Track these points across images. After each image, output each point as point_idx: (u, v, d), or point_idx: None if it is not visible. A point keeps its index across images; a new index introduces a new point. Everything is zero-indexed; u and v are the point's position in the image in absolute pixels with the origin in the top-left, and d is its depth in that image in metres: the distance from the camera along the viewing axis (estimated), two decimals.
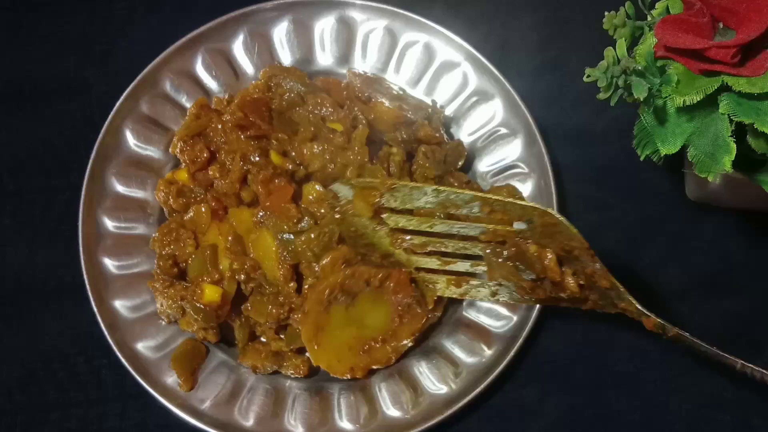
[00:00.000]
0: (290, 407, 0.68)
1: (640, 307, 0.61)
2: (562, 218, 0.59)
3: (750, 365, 0.60)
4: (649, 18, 0.57)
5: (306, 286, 0.68)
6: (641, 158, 0.57)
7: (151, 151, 0.75)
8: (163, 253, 0.70)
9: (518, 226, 0.62)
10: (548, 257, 0.61)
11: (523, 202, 0.61)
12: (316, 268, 0.67)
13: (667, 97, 0.53)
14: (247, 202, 0.70)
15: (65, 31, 0.83)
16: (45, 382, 0.72)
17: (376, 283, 0.67)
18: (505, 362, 0.67)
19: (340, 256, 0.67)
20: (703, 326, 0.72)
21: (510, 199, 0.61)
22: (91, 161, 0.73)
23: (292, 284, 0.68)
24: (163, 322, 0.70)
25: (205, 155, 0.71)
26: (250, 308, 0.69)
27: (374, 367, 0.68)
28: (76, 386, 0.72)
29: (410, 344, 0.68)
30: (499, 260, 0.63)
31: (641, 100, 0.53)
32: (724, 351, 0.71)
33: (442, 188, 0.63)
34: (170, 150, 0.74)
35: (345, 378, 0.68)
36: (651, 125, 0.55)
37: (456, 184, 0.72)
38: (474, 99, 0.76)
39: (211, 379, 0.69)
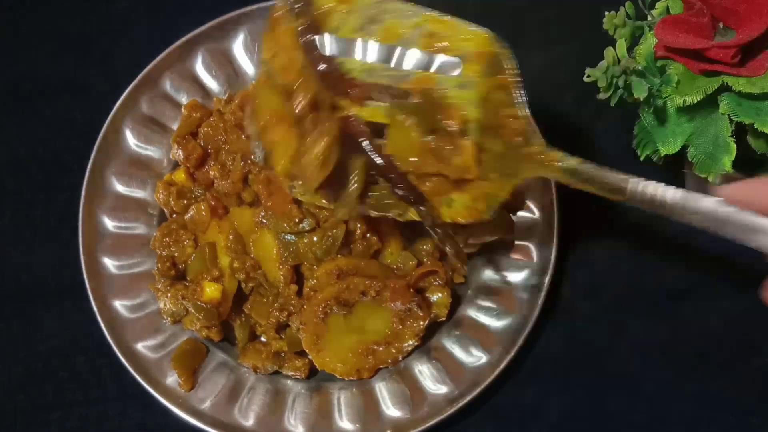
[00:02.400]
0: (290, 407, 0.68)
1: (545, 144, 0.56)
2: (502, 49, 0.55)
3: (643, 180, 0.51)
4: (649, 18, 0.57)
5: (306, 288, 0.68)
6: (641, 158, 0.58)
7: (151, 151, 0.75)
8: (163, 254, 0.70)
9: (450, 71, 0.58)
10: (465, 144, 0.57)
11: (467, 26, 0.57)
12: (316, 272, 0.68)
13: (667, 97, 0.53)
14: (248, 202, 0.70)
15: (65, 31, 0.83)
16: (45, 382, 0.72)
17: (372, 294, 0.66)
18: (505, 362, 0.67)
19: (334, 268, 0.67)
20: (703, 326, 0.72)
21: (455, 20, 0.56)
22: (91, 161, 0.73)
23: (293, 286, 0.68)
24: (167, 322, 0.70)
25: (197, 152, 0.71)
26: (250, 308, 0.69)
27: (381, 366, 0.69)
28: (76, 386, 0.72)
29: (416, 344, 0.68)
30: (404, 110, 0.59)
31: (641, 100, 0.53)
32: (724, 351, 0.71)
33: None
34: (171, 156, 0.74)
35: (348, 378, 0.68)
36: (651, 125, 0.55)
37: None
38: None
39: (211, 379, 0.69)
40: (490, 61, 0.56)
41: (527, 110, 0.55)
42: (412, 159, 0.59)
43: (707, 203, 0.47)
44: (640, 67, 0.53)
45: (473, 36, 0.56)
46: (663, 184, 0.49)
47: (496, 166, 0.57)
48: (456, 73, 0.59)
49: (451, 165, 0.58)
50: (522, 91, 0.55)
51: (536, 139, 0.55)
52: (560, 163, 0.55)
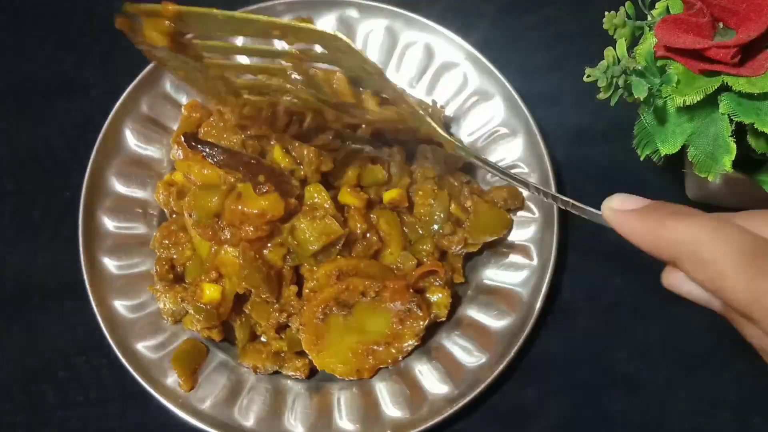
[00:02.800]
0: (290, 407, 0.68)
1: (437, 128, 0.62)
2: (348, 41, 0.55)
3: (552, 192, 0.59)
4: (649, 18, 0.57)
5: (306, 290, 0.68)
6: (641, 158, 0.57)
7: (151, 151, 0.75)
8: (162, 256, 0.70)
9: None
10: (336, 77, 0.60)
11: (311, 27, 0.56)
12: (316, 273, 0.67)
13: (667, 97, 0.53)
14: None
15: (65, 31, 0.83)
16: (45, 382, 0.72)
17: (372, 294, 0.66)
18: (505, 362, 0.67)
19: (334, 269, 0.67)
20: (703, 326, 0.72)
21: (300, 25, 0.56)
22: (91, 161, 0.73)
23: (292, 287, 0.68)
24: (167, 322, 0.70)
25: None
26: (250, 308, 0.69)
27: (381, 366, 0.69)
28: (76, 386, 0.72)
29: (416, 344, 0.68)
30: (297, 87, 0.61)
31: (641, 100, 0.53)
32: (724, 351, 0.71)
33: (229, 13, 0.57)
34: (171, 156, 0.74)
35: (348, 378, 0.68)
36: (651, 125, 0.55)
37: (456, 184, 0.72)
38: (474, 99, 0.76)
39: (211, 379, 0.69)
40: (346, 48, 0.56)
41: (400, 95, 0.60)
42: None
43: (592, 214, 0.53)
44: (640, 67, 0.53)
45: (315, 30, 0.56)
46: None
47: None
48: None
49: (369, 118, 0.63)
50: (384, 76, 0.58)
51: (426, 123, 0.62)
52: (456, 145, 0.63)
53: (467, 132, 0.76)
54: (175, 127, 0.75)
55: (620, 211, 0.47)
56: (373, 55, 0.77)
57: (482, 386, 0.67)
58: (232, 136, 0.70)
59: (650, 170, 0.73)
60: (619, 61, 0.54)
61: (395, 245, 0.70)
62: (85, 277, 0.70)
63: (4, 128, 0.80)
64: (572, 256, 0.74)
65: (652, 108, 0.54)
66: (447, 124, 0.76)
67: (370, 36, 0.77)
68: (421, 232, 0.71)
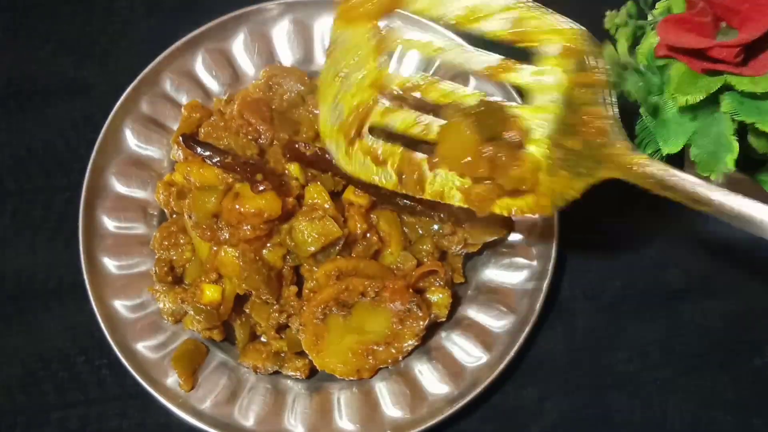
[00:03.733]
0: (290, 407, 0.68)
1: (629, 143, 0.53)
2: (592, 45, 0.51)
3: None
4: (650, 17, 0.57)
5: (306, 290, 0.68)
6: None
7: (151, 151, 0.75)
8: (161, 257, 0.70)
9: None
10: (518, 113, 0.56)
11: (559, 19, 0.52)
12: (316, 273, 0.67)
13: (669, 96, 0.53)
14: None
15: (65, 31, 0.83)
16: (45, 382, 0.72)
17: (371, 294, 0.66)
18: (505, 362, 0.67)
19: (333, 269, 0.67)
20: (703, 326, 0.72)
21: (547, 12, 0.52)
22: (91, 161, 0.73)
23: (292, 287, 0.68)
24: (167, 322, 0.70)
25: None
26: (250, 308, 0.69)
27: (381, 366, 0.69)
28: (76, 386, 0.72)
29: (416, 344, 0.68)
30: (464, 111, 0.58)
31: (633, 94, 0.53)
32: (724, 351, 0.71)
33: None
34: (171, 156, 0.74)
35: (348, 378, 0.68)
36: (653, 125, 0.55)
37: None
38: None
39: (211, 379, 0.69)
40: (579, 57, 0.53)
41: (615, 110, 0.52)
42: (465, 160, 0.57)
43: None
44: (641, 67, 0.54)
45: (563, 30, 0.53)
46: (752, 200, 0.48)
47: (568, 164, 0.55)
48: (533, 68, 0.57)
49: (506, 175, 0.56)
50: (610, 91, 0.53)
51: (621, 140, 0.52)
52: (643, 169, 0.51)
53: None
54: (175, 127, 0.75)
55: None
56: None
57: (482, 386, 0.67)
58: (232, 136, 0.70)
59: None
60: (619, 60, 0.54)
61: (395, 245, 0.70)
62: (85, 277, 0.70)
63: (4, 128, 0.80)
64: (572, 256, 0.74)
65: (653, 107, 0.55)
66: None
67: None
68: (421, 232, 0.71)
